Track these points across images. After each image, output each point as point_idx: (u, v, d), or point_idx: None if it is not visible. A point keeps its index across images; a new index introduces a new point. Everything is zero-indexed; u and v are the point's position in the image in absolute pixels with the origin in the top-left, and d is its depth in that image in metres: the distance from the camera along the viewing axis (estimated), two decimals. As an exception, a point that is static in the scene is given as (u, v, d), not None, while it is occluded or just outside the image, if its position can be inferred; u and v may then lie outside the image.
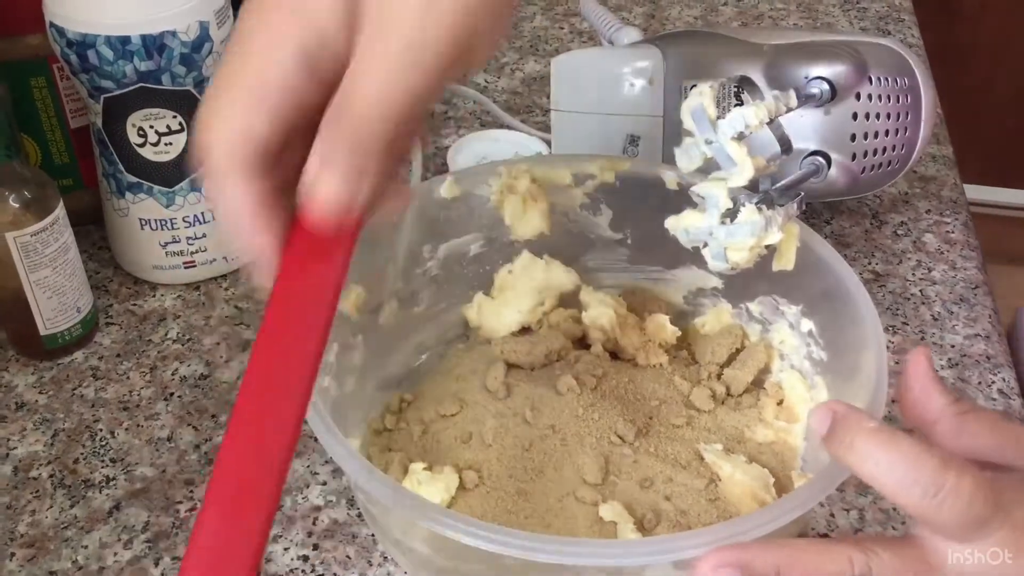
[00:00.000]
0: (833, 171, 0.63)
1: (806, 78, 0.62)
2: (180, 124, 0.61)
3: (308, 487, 0.54)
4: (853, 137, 0.63)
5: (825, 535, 0.52)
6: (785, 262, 0.52)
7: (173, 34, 0.58)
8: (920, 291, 0.66)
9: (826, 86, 0.61)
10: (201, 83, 0.61)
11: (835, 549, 0.39)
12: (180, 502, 0.54)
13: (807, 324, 0.54)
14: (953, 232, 0.70)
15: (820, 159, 0.63)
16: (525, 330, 0.59)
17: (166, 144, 0.62)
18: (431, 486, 0.49)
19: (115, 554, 0.51)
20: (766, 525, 0.41)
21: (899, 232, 0.70)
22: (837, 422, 0.40)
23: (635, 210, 0.59)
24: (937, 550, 0.38)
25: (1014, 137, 1.78)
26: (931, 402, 0.42)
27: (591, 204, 0.59)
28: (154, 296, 0.66)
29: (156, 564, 0.51)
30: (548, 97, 0.83)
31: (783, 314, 0.56)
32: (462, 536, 0.41)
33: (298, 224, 0.36)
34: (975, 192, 1.71)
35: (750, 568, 0.38)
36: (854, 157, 0.63)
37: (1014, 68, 1.72)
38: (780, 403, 0.56)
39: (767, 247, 0.49)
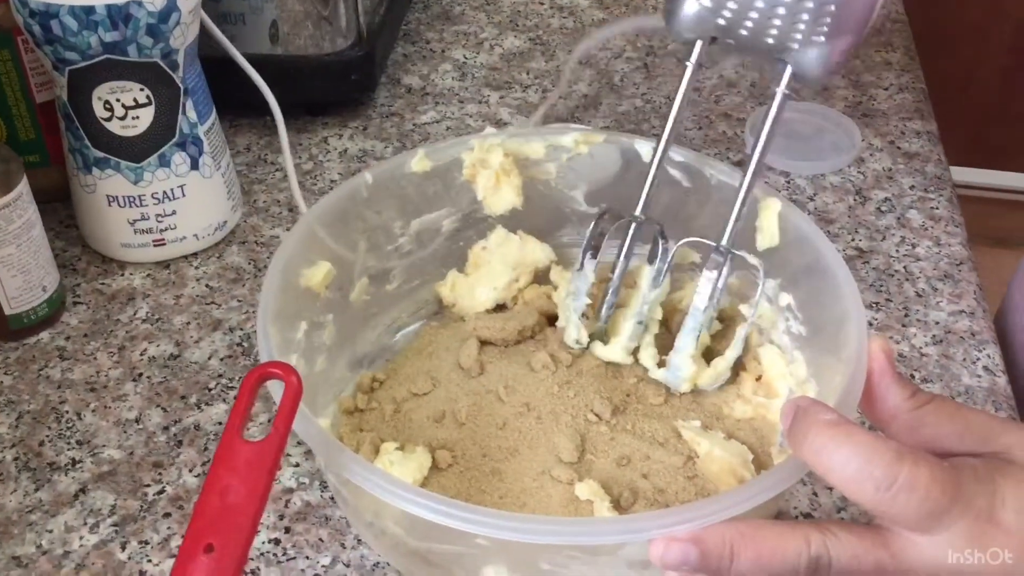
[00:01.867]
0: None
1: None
2: (147, 97, 0.60)
3: (280, 469, 0.53)
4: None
5: (808, 515, 0.51)
6: (769, 239, 0.51)
7: (139, 4, 0.56)
8: (904, 267, 0.65)
9: None
10: (169, 55, 0.59)
11: (793, 529, 0.38)
12: (148, 485, 0.53)
13: (786, 298, 0.53)
14: (937, 208, 0.69)
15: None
16: (500, 307, 0.58)
17: (133, 118, 0.60)
18: (403, 466, 0.48)
19: (81, 538, 0.50)
20: (743, 503, 0.40)
21: (883, 208, 0.69)
22: (797, 416, 0.39)
23: (612, 185, 0.58)
24: (900, 536, 0.37)
25: (997, 119, 1.77)
26: (888, 398, 0.42)
27: (566, 178, 0.57)
28: (122, 275, 0.65)
29: (123, 548, 0.50)
30: (528, 73, 0.82)
31: (762, 287, 0.55)
32: (432, 515, 0.40)
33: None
34: (959, 174, 1.71)
35: (703, 544, 0.38)
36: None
37: (997, 50, 1.71)
38: (759, 379, 0.55)
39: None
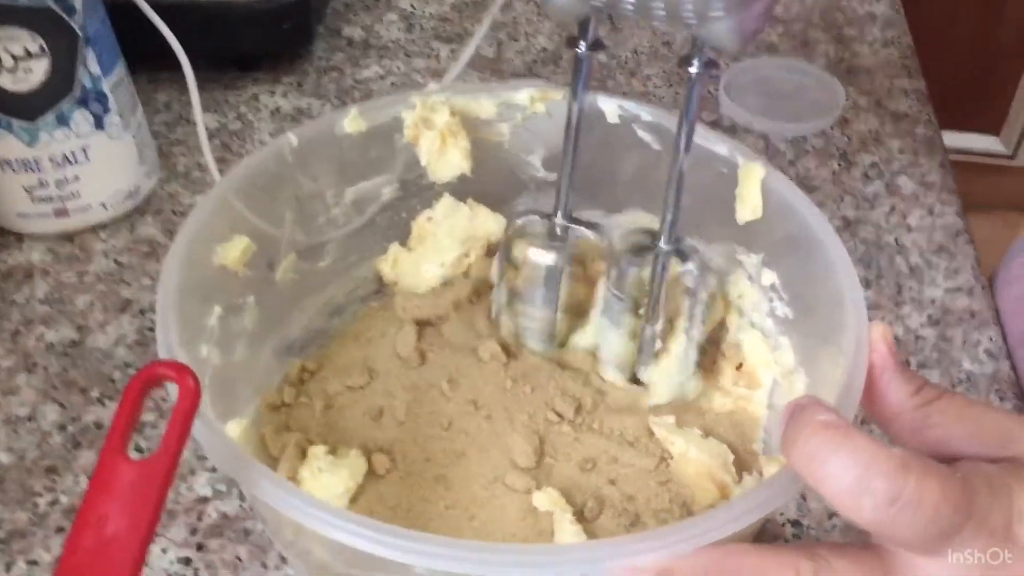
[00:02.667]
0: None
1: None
2: (41, 47, 0.52)
3: (193, 474, 0.46)
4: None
5: (796, 523, 0.45)
6: (751, 211, 0.45)
7: (25, -64, 0.48)
8: (895, 239, 0.59)
9: None
10: (63, -2, 0.51)
11: (779, 556, 0.33)
12: (39, 494, 0.46)
13: (769, 276, 0.47)
14: (929, 174, 0.63)
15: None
16: (448, 285, 0.51)
17: (24, 71, 0.52)
18: (334, 473, 0.42)
19: (-42, 557, 0.43)
20: (724, 526, 0.33)
21: (870, 174, 0.63)
22: (792, 416, 0.33)
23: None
24: (903, 559, 0.32)
25: (974, 81, 1.73)
26: (890, 394, 0.36)
27: (521, 140, 0.50)
28: (20, 249, 0.57)
29: (8, 569, 0.43)
30: (480, 23, 0.75)
31: (741, 264, 0.49)
32: (361, 542, 0.33)
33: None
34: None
35: None
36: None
37: (970, 7, 1.66)
38: (739, 367, 0.48)
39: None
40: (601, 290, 0.47)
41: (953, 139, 1.78)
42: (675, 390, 0.46)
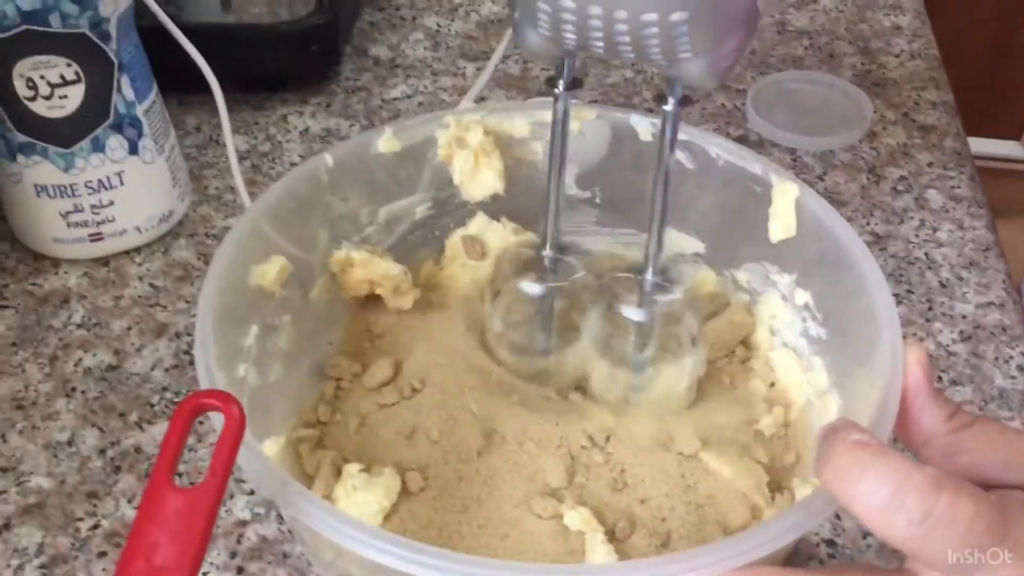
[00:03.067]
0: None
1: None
2: (76, 74, 0.53)
3: (232, 497, 0.47)
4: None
5: (831, 542, 0.45)
6: (785, 229, 0.45)
7: (60, -34, 0.49)
8: (925, 254, 0.59)
9: None
10: (98, 24, 0.52)
11: None
12: (81, 519, 0.46)
13: (802, 296, 0.47)
14: (959, 187, 0.63)
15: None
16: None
17: (60, 97, 0.53)
18: (369, 491, 0.42)
19: (2, 581, 0.44)
20: (755, 548, 0.33)
21: (899, 188, 0.63)
22: (827, 437, 0.33)
23: (604, 165, 0.51)
24: None
25: (994, 87, 1.72)
26: (923, 419, 0.36)
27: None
28: (56, 274, 0.58)
29: (50, 593, 0.43)
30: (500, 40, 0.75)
31: (774, 284, 0.49)
32: (397, 562, 0.34)
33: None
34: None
35: None
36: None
37: (981, 17, 1.66)
38: (772, 386, 0.49)
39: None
40: (591, 319, 0.47)
41: (973, 144, 1.77)
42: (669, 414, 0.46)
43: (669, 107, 0.40)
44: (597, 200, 0.52)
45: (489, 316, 0.48)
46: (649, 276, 0.44)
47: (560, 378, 0.47)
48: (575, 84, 0.42)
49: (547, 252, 0.46)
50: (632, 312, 0.45)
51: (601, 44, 0.36)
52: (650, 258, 0.44)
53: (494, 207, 0.51)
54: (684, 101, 0.40)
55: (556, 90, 0.42)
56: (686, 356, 0.45)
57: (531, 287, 0.46)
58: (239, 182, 0.59)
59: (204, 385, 0.38)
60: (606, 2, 0.34)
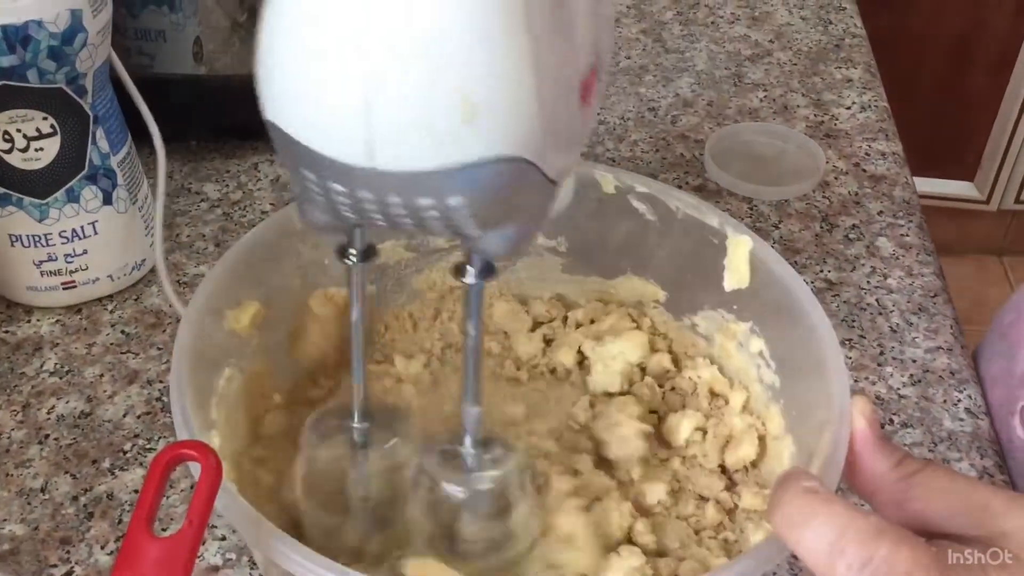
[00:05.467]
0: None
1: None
2: (52, 127, 0.54)
3: (204, 543, 0.48)
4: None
5: None
6: (739, 279, 0.47)
7: (39, 24, 0.50)
8: (876, 300, 0.61)
9: None
10: (75, 80, 0.53)
11: None
12: (55, 565, 0.47)
13: (757, 343, 0.49)
14: (907, 235, 0.66)
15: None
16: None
17: (36, 150, 0.54)
18: None
19: (-25, 629, 0.44)
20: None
21: (851, 236, 0.66)
22: (778, 484, 0.35)
23: (568, 215, 0.53)
24: None
25: (946, 129, 1.77)
26: (871, 466, 0.37)
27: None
28: (29, 322, 0.58)
29: (23, 640, 0.44)
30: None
31: (730, 331, 0.50)
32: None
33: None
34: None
35: None
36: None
37: (933, 61, 1.71)
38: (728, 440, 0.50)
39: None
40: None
41: (928, 185, 1.82)
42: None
43: (471, 280, 0.35)
44: (562, 249, 0.54)
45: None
46: (470, 448, 0.39)
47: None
48: (370, 253, 0.37)
49: (357, 424, 0.41)
50: (456, 491, 0.39)
51: (383, 222, 0.32)
52: (469, 432, 0.39)
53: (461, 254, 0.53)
54: (486, 271, 0.35)
55: (348, 262, 0.37)
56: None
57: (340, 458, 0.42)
58: (159, 248, 0.58)
59: (179, 429, 0.39)
60: (376, 188, 0.30)
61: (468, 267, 0.35)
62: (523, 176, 0.31)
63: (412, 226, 0.32)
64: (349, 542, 0.42)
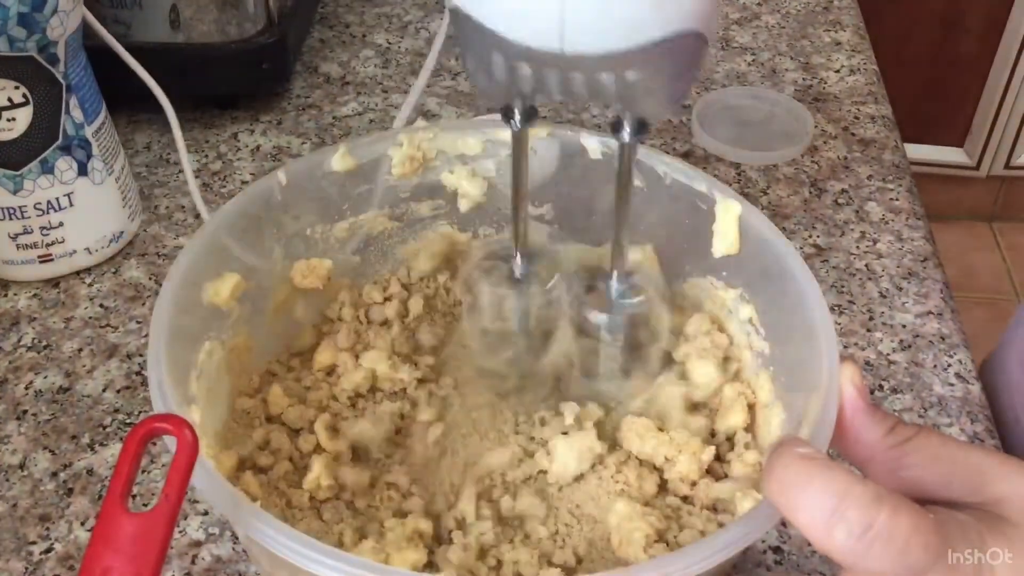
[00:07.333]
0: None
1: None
2: (24, 96, 0.53)
3: (186, 518, 0.47)
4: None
5: (777, 549, 0.46)
6: (728, 245, 0.46)
7: (8, -10, 0.49)
8: (866, 265, 0.60)
9: None
10: (46, 47, 0.52)
11: None
12: (34, 542, 0.46)
13: (747, 310, 0.48)
14: (897, 199, 0.65)
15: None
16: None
17: (8, 120, 0.53)
18: None
19: (-47, 608, 0.44)
20: (702, 561, 0.34)
21: (840, 201, 0.65)
22: (772, 451, 0.34)
23: (556, 182, 0.52)
24: None
25: (937, 94, 1.76)
26: (863, 435, 0.36)
27: (507, 176, 0.51)
28: (5, 296, 0.57)
29: (4, 618, 0.43)
30: (456, 59, 0.76)
31: (720, 298, 0.50)
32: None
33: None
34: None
35: None
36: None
37: (924, 26, 1.69)
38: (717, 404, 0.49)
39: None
40: (561, 328, 0.47)
41: (918, 151, 1.81)
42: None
43: (626, 138, 0.39)
44: (548, 217, 0.53)
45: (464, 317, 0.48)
46: (616, 284, 0.45)
47: (536, 388, 0.48)
48: (531, 114, 0.41)
49: (518, 263, 0.46)
50: (600, 318, 0.45)
51: (559, 95, 0.36)
52: (616, 269, 0.45)
53: (451, 221, 0.52)
54: (640, 128, 0.39)
55: (513, 127, 0.41)
56: (653, 354, 0.47)
57: (504, 294, 0.46)
58: (197, 197, 0.59)
59: (156, 403, 0.38)
60: (563, 68, 0.34)
61: (625, 125, 0.38)
62: (697, 47, 0.35)
63: (585, 96, 0.36)
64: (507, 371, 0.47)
